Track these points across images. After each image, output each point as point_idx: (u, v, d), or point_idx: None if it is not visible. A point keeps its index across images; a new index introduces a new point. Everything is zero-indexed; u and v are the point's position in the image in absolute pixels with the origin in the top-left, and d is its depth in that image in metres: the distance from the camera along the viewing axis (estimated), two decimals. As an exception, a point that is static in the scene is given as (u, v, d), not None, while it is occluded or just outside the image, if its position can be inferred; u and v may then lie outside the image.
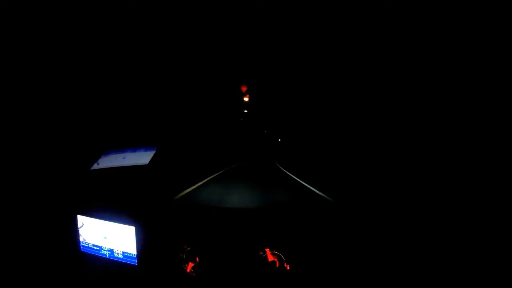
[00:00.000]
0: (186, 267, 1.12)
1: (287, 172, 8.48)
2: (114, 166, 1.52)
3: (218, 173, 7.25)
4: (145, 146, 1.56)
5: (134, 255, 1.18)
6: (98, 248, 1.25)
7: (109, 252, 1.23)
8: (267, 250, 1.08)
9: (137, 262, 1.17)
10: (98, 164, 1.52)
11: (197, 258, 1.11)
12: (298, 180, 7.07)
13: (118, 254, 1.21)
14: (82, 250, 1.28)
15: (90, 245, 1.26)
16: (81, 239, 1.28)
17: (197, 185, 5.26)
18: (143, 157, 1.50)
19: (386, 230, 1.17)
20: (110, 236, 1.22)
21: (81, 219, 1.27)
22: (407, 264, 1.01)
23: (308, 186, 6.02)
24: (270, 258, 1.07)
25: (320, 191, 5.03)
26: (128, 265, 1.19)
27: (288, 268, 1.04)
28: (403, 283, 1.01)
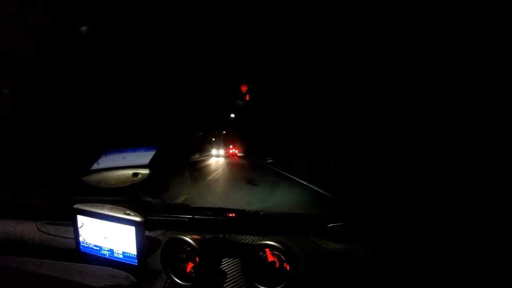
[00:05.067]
0: (186, 267, 1.12)
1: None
2: (114, 166, 1.51)
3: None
4: (145, 146, 1.55)
5: (134, 255, 1.18)
6: (98, 248, 1.25)
7: (109, 252, 1.23)
8: (267, 250, 1.08)
9: (137, 262, 1.17)
10: (98, 164, 1.52)
11: (197, 258, 1.11)
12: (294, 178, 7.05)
13: (118, 254, 1.21)
14: (82, 250, 1.28)
15: (91, 245, 1.26)
16: (81, 239, 1.28)
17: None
18: (143, 157, 1.50)
19: (386, 229, 1.17)
20: (110, 236, 1.22)
21: (81, 219, 1.27)
22: (409, 266, 1.01)
23: (308, 184, 6.02)
24: (270, 258, 1.07)
25: (319, 188, 5.03)
26: (128, 265, 1.19)
27: (288, 268, 1.04)
28: (404, 284, 1.01)
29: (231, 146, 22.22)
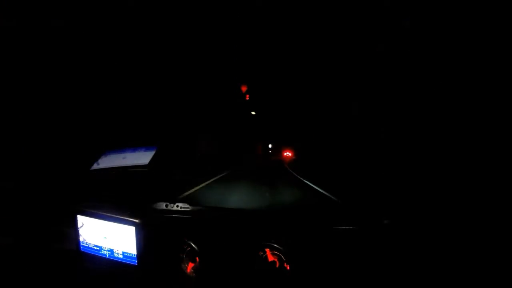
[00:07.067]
0: (186, 267, 1.12)
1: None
2: (114, 166, 1.51)
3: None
4: (145, 146, 1.55)
5: (134, 255, 1.18)
6: (98, 248, 1.25)
7: (109, 252, 1.23)
8: (267, 250, 1.08)
9: (137, 262, 1.17)
10: (98, 164, 1.52)
11: (197, 258, 1.11)
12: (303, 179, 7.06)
13: (118, 254, 1.21)
14: (82, 250, 1.28)
15: (91, 245, 1.26)
16: (81, 239, 1.28)
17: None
18: (143, 157, 1.50)
19: (392, 233, 1.16)
20: (110, 236, 1.22)
21: (81, 219, 1.27)
22: (412, 268, 1.01)
23: (313, 185, 6.01)
24: (270, 258, 1.07)
25: (325, 191, 5.01)
26: (128, 265, 1.19)
27: (288, 268, 1.04)
28: (405, 286, 1.00)
29: (286, 153, 27.15)
